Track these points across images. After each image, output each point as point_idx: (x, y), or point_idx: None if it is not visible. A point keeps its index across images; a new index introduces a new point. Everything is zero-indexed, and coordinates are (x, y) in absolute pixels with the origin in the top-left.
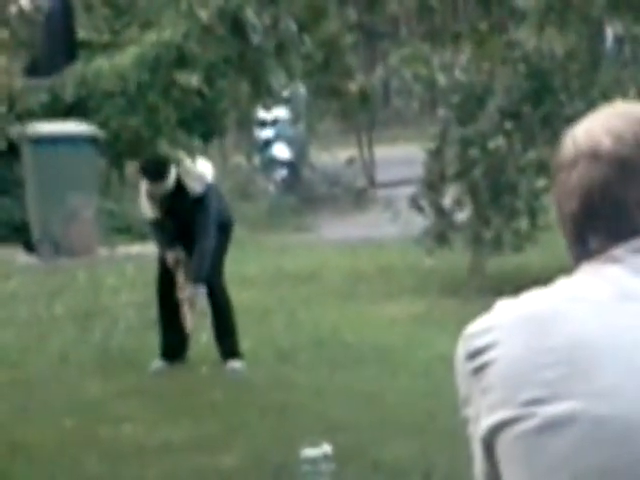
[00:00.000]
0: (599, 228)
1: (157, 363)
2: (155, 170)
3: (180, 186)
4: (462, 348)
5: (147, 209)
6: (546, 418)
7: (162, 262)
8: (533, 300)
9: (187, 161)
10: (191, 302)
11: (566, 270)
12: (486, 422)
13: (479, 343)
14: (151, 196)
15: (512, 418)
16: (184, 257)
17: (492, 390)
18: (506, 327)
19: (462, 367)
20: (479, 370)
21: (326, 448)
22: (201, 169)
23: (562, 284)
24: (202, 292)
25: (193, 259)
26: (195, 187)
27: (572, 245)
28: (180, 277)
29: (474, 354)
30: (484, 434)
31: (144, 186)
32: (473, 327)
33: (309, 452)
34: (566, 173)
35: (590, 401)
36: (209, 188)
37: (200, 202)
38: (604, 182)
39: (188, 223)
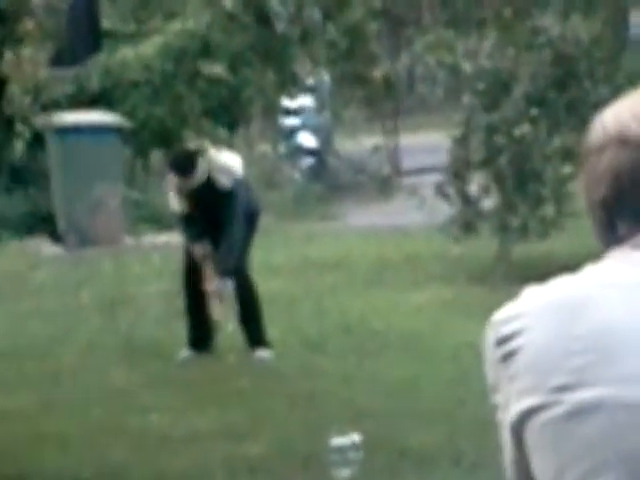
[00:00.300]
0: (627, 213)
1: (184, 353)
2: (184, 165)
3: (209, 180)
4: (490, 335)
5: (175, 203)
6: (574, 405)
7: (188, 253)
8: (561, 286)
9: (216, 155)
10: (219, 295)
11: (593, 257)
12: (514, 409)
13: (507, 330)
14: (180, 190)
15: (540, 405)
16: (211, 250)
17: (520, 377)
18: (534, 314)
19: (490, 354)
20: (507, 357)
21: (355, 436)
22: (230, 163)
23: (590, 270)
24: (229, 285)
25: (220, 252)
26: (224, 181)
27: (601, 231)
28: (207, 270)
29: (502, 341)
30: (513, 421)
31: (172, 180)
32: (501, 314)
33: (337, 440)
34: (595, 159)
35: (618, 387)
36: (237, 182)
37: (228, 196)
38: (633, 167)
39: (216, 217)
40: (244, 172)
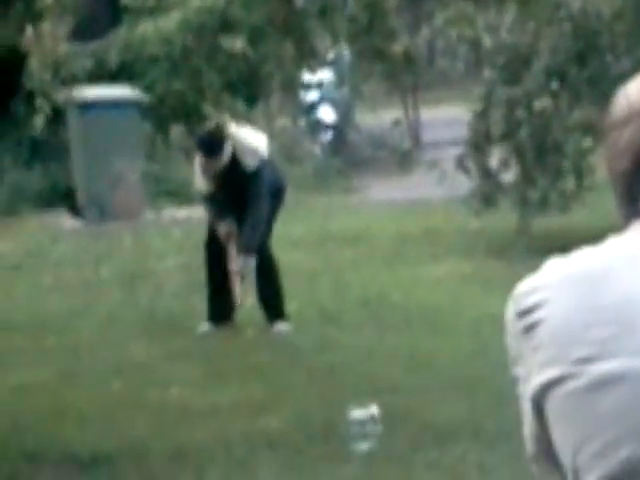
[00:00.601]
0: None
1: (204, 326)
2: (211, 146)
3: (235, 161)
4: (512, 307)
5: (201, 183)
6: (595, 376)
7: (211, 229)
8: (583, 258)
9: (242, 136)
10: (241, 275)
11: (613, 230)
12: (536, 381)
13: (529, 301)
14: (206, 171)
15: (561, 376)
16: (236, 229)
17: (542, 349)
18: (556, 285)
19: (512, 326)
20: (529, 329)
21: (373, 410)
22: (256, 143)
23: (612, 242)
24: (252, 263)
25: (244, 231)
26: (250, 163)
27: (622, 204)
28: (231, 250)
29: (524, 312)
30: (534, 393)
31: (198, 160)
32: (523, 286)
33: (356, 414)
34: (618, 132)
35: (638, 359)
36: (263, 162)
37: (254, 176)
38: None
39: (241, 197)
40: (269, 149)
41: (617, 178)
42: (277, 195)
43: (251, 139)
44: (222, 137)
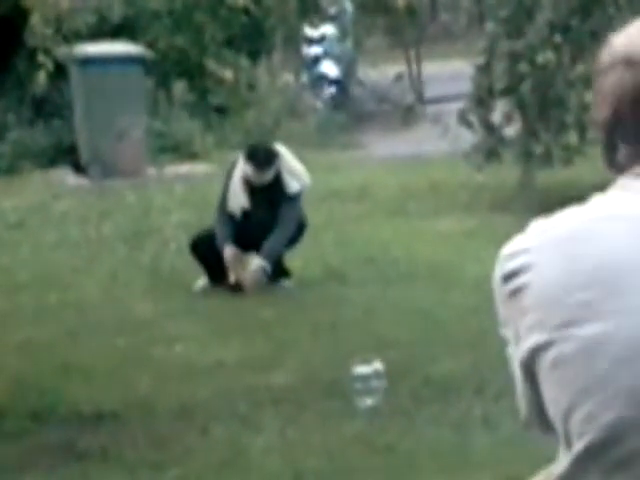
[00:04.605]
0: (628, 137)
1: (201, 281)
2: (262, 158)
3: (277, 181)
4: (498, 270)
5: (236, 199)
6: (579, 341)
7: (204, 234)
8: (566, 220)
9: (290, 158)
10: (253, 281)
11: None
12: (524, 345)
13: (513, 265)
14: (247, 183)
15: (547, 342)
16: (244, 257)
17: (529, 313)
18: (539, 249)
19: (499, 289)
20: (516, 292)
21: (377, 365)
22: (302, 169)
23: (596, 202)
24: (267, 269)
25: (270, 239)
26: (293, 185)
27: (604, 153)
28: (233, 272)
29: (509, 276)
30: (523, 358)
31: (240, 173)
32: (508, 249)
33: (361, 369)
34: (602, 79)
35: (621, 321)
36: (303, 192)
37: (293, 199)
38: (634, 88)
39: (271, 218)
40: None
41: (600, 127)
42: (299, 233)
43: (297, 164)
44: (274, 152)
